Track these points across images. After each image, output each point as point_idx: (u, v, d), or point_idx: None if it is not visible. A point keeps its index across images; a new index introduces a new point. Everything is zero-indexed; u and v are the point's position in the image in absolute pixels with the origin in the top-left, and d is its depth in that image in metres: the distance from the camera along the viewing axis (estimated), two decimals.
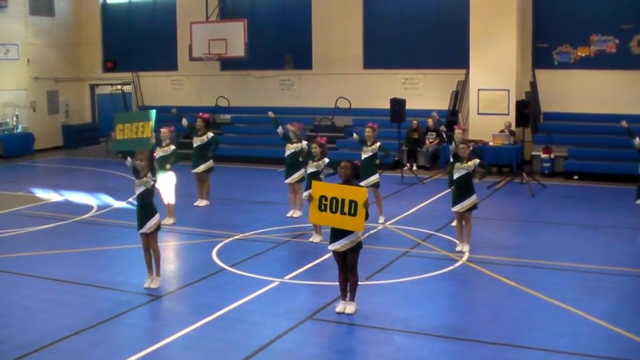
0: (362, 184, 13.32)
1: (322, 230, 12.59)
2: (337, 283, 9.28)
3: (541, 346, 8.02)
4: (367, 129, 14.17)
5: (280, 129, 14.77)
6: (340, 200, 8.77)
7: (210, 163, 15.79)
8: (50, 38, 27.18)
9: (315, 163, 12.92)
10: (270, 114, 15.41)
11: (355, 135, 14.50)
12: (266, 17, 25.08)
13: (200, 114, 16.26)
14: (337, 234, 8.98)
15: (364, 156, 13.97)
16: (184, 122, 16.07)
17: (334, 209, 8.82)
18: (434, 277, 10.66)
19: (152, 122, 10.07)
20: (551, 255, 11.73)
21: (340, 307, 9.16)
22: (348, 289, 9.18)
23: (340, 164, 9.28)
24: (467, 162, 11.72)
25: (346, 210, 8.73)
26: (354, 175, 9.24)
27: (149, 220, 10.11)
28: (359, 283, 9.29)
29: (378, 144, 14.05)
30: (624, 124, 13.07)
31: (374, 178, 13.92)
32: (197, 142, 15.72)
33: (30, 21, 26.33)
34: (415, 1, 23.15)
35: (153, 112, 10.20)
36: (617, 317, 8.86)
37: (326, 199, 8.86)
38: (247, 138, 24.58)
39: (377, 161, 14.16)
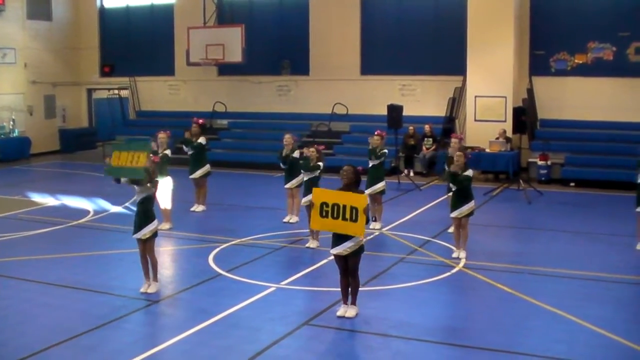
0: (368, 191, 13.42)
1: (319, 236, 12.59)
2: (333, 288, 9.30)
3: (537, 352, 8.01)
4: (375, 137, 14.16)
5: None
6: (341, 206, 8.85)
7: (207, 168, 15.77)
8: (47, 42, 27.20)
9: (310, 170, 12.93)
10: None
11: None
12: (264, 23, 25.13)
13: (195, 119, 16.27)
14: (339, 238, 9.00)
15: (371, 163, 13.98)
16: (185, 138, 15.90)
17: (335, 215, 8.90)
18: (431, 283, 10.66)
19: (148, 153, 10.01)
20: (547, 261, 11.74)
21: (341, 310, 9.17)
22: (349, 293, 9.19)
23: (343, 168, 9.28)
24: (462, 173, 11.66)
25: (347, 216, 8.81)
26: (356, 181, 9.24)
27: (145, 227, 10.08)
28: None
29: (385, 150, 14.05)
30: None
31: (381, 185, 13.93)
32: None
33: (28, 25, 26.35)
34: (412, 8, 23.21)
35: (148, 143, 10.17)
36: (614, 324, 8.86)
37: (327, 205, 8.94)
38: (244, 143, 24.56)
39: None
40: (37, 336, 8.52)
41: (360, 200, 8.86)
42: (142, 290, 10.15)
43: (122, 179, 10.18)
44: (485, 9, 20.50)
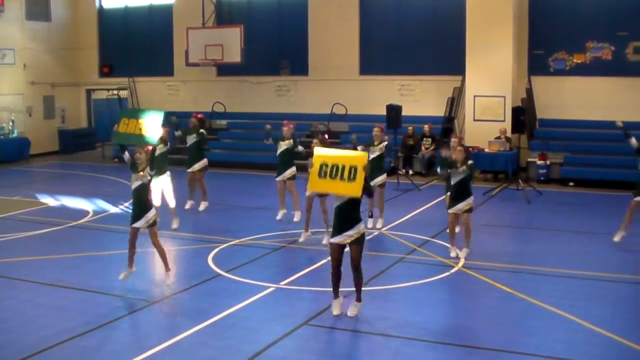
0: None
1: (309, 228, 12.67)
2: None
3: (537, 352, 8.01)
4: (375, 129, 14.21)
5: (270, 141, 14.70)
6: (340, 166, 8.85)
7: (204, 162, 15.77)
8: (46, 43, 27.19)
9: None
10: (268, 127, 14.97)
11: (360, 147, 14.36)
12: (263, 23, 25.12)
13: (195, 113, 16.33)
14: (341, 228, 8.97)
15: (371, 156, 13.96)
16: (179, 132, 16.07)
17: (333, 175, 8.88)
18: (430, 283, 10.66)
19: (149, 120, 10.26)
20: (547, 261, 11.74)
21: (335, 307, 9.15)
22: (341, 286, 9.18)
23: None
24: (461, 167, 11.72)
25: (346, 175, 8.81)
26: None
27: (145, 214, 10.22)
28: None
29: (385, 143, 14.07)
30: (619, 124, 13.12)
31: (382, 178, 13.96)
32: (191, 140, 15.72)
33: (27, 26, 26.34)
34: (411, 8, 23.21)
35: (161, 114, 10.38)
36: (613, 323, 8.87)
37: (327, 166, 8.94)
38: (243, 144, 24.56)
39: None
40: (37, 337, 8.51)
41: (360, 158, 8.89)
42: (121, 277, 10.36)
43: (125, 157, 10.34)
44: (484, 8, 20.50)
